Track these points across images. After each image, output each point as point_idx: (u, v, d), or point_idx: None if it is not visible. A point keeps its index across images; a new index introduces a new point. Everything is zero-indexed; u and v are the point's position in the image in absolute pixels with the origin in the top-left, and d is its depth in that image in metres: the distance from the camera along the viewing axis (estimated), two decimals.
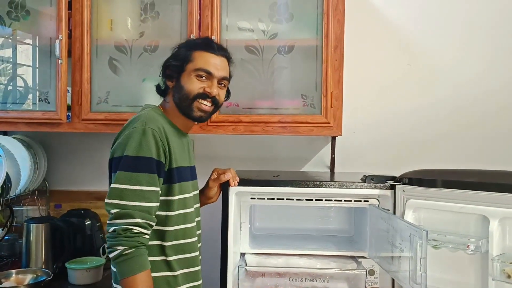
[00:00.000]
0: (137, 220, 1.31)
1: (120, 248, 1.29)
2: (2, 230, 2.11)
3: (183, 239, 1.46)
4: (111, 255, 1.32)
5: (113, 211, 1.32)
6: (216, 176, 1.65)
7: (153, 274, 1.35)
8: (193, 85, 1.49)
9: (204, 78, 1.49)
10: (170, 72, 1.52)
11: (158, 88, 1.57)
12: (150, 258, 1.35)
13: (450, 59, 2.21)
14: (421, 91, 2.23)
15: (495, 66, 2.19)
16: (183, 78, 1.50)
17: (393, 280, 1.67)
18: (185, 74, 1.50)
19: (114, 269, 1.39)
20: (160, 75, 1.56)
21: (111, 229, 1.31)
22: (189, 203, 1.50)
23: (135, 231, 1.30)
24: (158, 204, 1.37)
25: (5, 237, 2.11)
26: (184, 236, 1.46)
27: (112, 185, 1.34)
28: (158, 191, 1.38)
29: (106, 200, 1.34)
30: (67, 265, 1.88)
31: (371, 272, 1.77)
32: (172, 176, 1.42)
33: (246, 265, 1.74)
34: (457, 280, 1.53)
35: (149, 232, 1.35)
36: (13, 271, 1.83)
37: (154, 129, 1.37)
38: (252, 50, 1.94)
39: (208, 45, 1.53)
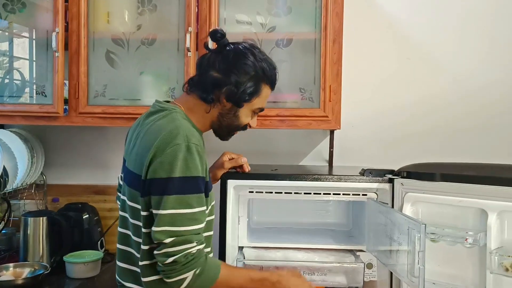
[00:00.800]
0: (194, 244, 1.24)
1: (190, 273, 1.23)
2: (0, 223, 2.11)
3: (207, 248, 1.38)
4: (183, 285, 1.23)
5: (168, 240, 1.21)
6: (228, 159, 1.66)
7: None
8: (247, 119, 1.46)
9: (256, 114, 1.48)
10: (235, 98, 1.38)
11: (204, 92, 1.39)
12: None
13: (449, 51, 2.20)
14: (420, 84, 2.22)
15: (494, 57, 2.18)
16: (244, 108, 1.42)
17: (391, 273, 1.67)
18: (248, 106, 1.42)
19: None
20: (218, 88, 1.37)
21: (170, 259, 1.21)
22: (213, 209, 1.45)
23: (193, 251, 1.24)
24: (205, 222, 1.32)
25: (2, 231, 2.10)
26: (208, 245, 1.40)
27: (161, 212, 1.22)
28: (205, 209, 1.30)
29: (156, 229, 1.22)
30: (65, 258, 1.88)
31: (369, 266, 1.77)
32: (207, 187, 1.33)
33: (244, 258, 1.74)
34: (455, 274, 1.53)
35: (202, 246, 1.28)
36: (11, 264, 1.83)
37: (197, 145, 1.27)
38: None
39: (275, 82, 1.47)
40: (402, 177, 1.65)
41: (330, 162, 2.23)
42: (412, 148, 2.21)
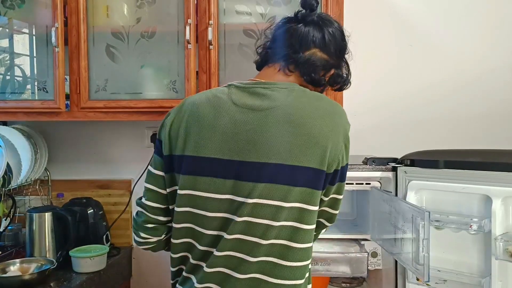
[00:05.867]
0: None
1: None
2: (5, 220, 2.12)
3: None
4: None
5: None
6: None
7: None
8: None
9: None
10: (339, 83, 1.27)
11: (315, 75, 1.22)
12: None
13: (453, 38, 2.18)
14: (423, 71, 2.20)
15: (498, 44, 2.16)
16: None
17: (396, 261, 1.67)
18: None
19: None
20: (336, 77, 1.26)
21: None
22: None
23: None
24: None
25: (8, 227, 2.12)
26: None
27: (342, 195, 1.24)
28: None
29: (336, 211, 1.26)
30: (71, 253, 1.89)
31: (374, 254, 1.77)
32: None
33: None
34: (460, 260, 1.53)
35: None
36: (18, 260, 1.84)
37: None
38: (250, 34, 1.91)
39: None
40: (405, 165, 1.64)
41: None
42: (415, 136, 2.20)
